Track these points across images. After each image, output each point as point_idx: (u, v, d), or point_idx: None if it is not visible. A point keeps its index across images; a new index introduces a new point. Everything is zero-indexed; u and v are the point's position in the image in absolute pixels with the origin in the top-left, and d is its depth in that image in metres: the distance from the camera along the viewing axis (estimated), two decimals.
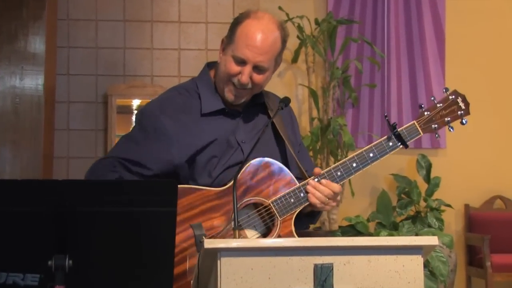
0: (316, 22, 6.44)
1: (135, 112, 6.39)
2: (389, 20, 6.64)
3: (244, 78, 2.76)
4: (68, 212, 2.07)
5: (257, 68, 2.78)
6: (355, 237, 2.57)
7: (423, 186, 6.45)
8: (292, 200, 2.76)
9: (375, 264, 2.30)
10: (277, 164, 2.79)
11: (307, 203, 2.77)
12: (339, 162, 2.82)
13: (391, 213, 6.23)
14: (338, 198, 2.83)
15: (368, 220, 6.18)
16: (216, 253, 2.25)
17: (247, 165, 2.75)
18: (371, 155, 2.83)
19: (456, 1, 6.82)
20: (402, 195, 6.41)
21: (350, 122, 6.62)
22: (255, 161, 2.77)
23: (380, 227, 6.17)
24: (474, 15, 6.87)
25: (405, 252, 2.32)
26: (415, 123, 2.88)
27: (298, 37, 6.36)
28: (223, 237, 2.68)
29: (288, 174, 2.79)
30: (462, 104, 2.96)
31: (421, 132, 2.88)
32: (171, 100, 2.92)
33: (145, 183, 2.33)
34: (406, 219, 6.34)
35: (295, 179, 2.79)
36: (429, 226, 6.24)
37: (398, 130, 2.84)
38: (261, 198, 2.76)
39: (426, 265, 5.82)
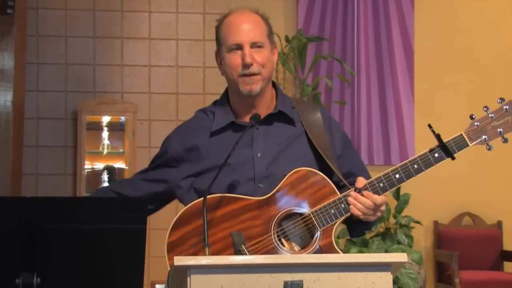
0: (287, 39, 6.46)
1: (105, 128, 6.36)
2: (359, 37, 6.68)
3: (247, 57, 2.78)
4: (36, 229, 2.05)
5: (255, 46, 2.80)
6: (325, 254, 2.57)
7: (392, 203, 6.48)
8: (332, 211, 2.73)
9: (345, 281, 2.30)
10: (319, 174, 2.77)
11: (348, 214, 2.75)
12: (382, 173, 2.79)
13: None
14: (382, 208, 2.78)
15: (338, 237, 6.19)
16: (185, 270, 2.24)
17: (289, 174, 2.75)
18: (415, 166, 2.78)
19: (424, 18, 6.88)
20: None
21: None
22: (297, 171, 2.76)
23: (350, 244, 6.18)
24: (442, 32, 6.94)
25: (375, 269, 2.32)
26: (463, 134, 2.78)
27: None
28: (263, 245, 2.67)
29: (329, 184, 2.77)
30: None
31: (469, 144, 2.77)
32: (188, 125, 2.97)
33: (115, 201, 2.32)
34: (376, 236, 6.35)
35: (336, 190, 2.77)
36: (399, 242, 6.27)
37: (445, 141, 2.77)
38: (301, 208, 2.75)
39: (396, 281, 5.84)
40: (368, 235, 6.33)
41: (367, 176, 2.87)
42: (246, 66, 2.79)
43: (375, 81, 6.77)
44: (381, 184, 2.76)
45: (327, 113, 3.05)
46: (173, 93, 6.49)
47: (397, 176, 2.77)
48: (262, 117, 2.85)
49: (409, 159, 2.77)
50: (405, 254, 2.35)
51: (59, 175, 6.31)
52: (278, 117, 2.90)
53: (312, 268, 2.29)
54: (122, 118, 6.35)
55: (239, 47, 2.80)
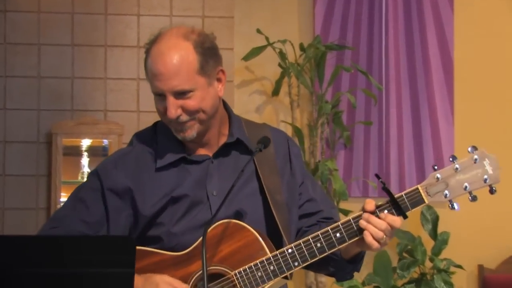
0: (302, 47, 6.47)
1: (85, 154, 6.36)
2: (388, 45, 6.68)
3: (170, 113, 2.77)
4: (2, 274, 2.05)
5: (180, 94, 2.77)
6: None
7: (429, 244, 6.45)
8: (259, 274, 2.73)
9: None
10: (248, 228, 2.77)
11: (278, 278, 2.75)
12: (311, 235, 2.77)
13: (391, 275, 6.22)
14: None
15: (363, 284, 6.17)
16: None
17: (212, 226, 2.75)
18: (355, 227, 2.75)
19: (466, 23, 6.88)
20: (404, 254, 6.40)
21: (342, 167, 6.63)
22: (222, 222, 2.76)
23: None
24: (487, 40, 6.93)
25: None
26: (420, 188, 2.73)
27: (279, 65, 6.39)
28: None
29: (259, 241, 2.77)
30: (489, 168, 2.74)
31: (426, 200, 2.71)
32: (126, 154, 2.96)
33: (97, 239, 2.31)
34: (409, 282, 6.33)
35: (266, 248, 2.76)
36: None
37: (397, 196, 2.71)
38: (224, 268, 2.75)
39: None
40: (399, 282, 6.30)
41: (330, 204, 3.00)
42: (170, 119, 2.80)
43: (407, 98, 6.76)
44: (318, 244, 2.76)
45: (282, 135, 3.09)
46: None
47: (338, 235, 2.75)
48: (218, 147, 2.89)
49: (347, 218, 2.74)
50: None
51: (29, 209, 6.30)
52: (235, 145, 2.92)
53: None
54: (105, 142, 6.35)
55: (162, 95, 2.80)
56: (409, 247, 6.39)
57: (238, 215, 2.81)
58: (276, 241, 2.82)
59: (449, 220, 6.49)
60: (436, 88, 6.77)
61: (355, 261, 2.89)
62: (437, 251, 6.43)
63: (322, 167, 6.16)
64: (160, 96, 2.80)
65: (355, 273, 3.03)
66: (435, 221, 6.45)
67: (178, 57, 2.77)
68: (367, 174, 6.66)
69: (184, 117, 2.79)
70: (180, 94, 2.77)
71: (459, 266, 6.38)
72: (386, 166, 6.67)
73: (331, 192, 6.25)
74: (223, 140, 2.91)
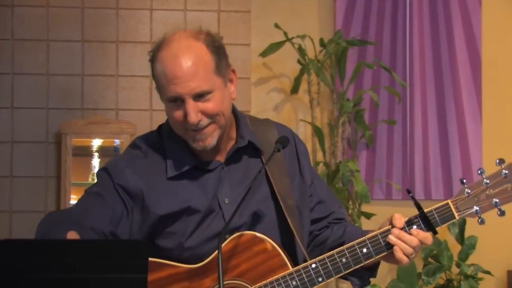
0: (322, 43, 6.46)
1: (96, 155, 6.37)
2: (412, 41, 6.67)
3: (191, 117, 2.72)
4: (11, 280, 2.05)
5: (199, 96, 2.74)
6: None
7: (455, 248, 6.43)
8: None
9: None
10: (268, 241, 2.76)
11: None
12: (347, 245, 2.79)
13: (416, 281, 6.21)
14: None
15: None
16: None
17: (230, 238, 2.73)
18: (382, 243, 2.77)
19: (494, 18, 6.84)
20: (429, 259, 6.38)
21: (364, 168, 6.62)
22: (241, 234, 2.75)
23: None
24: None
25: None
26: (450, 203, 2.81)
27: (299, 61, 6.38)
28: None
29: (280, 255, 2.76)
30: None
31: (456, 216, 2.80)
32: (138, 158, 2.91)
33: (108, 243, 2.31)
34: None
35: (288, 262, 2.76)
36: None
37: (426, 211, 2.77)
38: (243, 283, 2.74)
39: None
40: None
41: (338, 204, 3.04)
42: (192, 125, 2.75)
43: (433, 96, 6.74)
44: (344, 259, 2.77)
45: (288, 132, 3.06)
46: None
47: (364, 250, 2.76)
48: (227, 151, 2.87)
49: (379, 231, 2.77)
50: None
51: (38, 212, 6.31)
52: (246, 149, 2.90)
53: None
54: (117, 142, 6.35)
55: (179, 99, 2.75)
56: (435, 252, 6.37)
57: (252, 222, 2.80)
58: (289, 246, 2.82)
59: (477, 224, 6.43)
60: (463, 86, 6.74)
61: (372, 269, 2.90)
62: (464, 256, 6.41)
63: (343, 168, 6.15)
64: (175, 102, 2.76)
65: (378, 279, 3.04)
66: (462, 225, 6.42)
67: (194, 57, 2.74)
68: (390, 176, 6.64)
69: (205, 121, 2.75)
70: (199, 97, 2.73)
71: (488, 272, 6.35)
72: (410, 167, 6.65)
73: (353, 194, 6.24)
74: (231, 143, 2.90)
